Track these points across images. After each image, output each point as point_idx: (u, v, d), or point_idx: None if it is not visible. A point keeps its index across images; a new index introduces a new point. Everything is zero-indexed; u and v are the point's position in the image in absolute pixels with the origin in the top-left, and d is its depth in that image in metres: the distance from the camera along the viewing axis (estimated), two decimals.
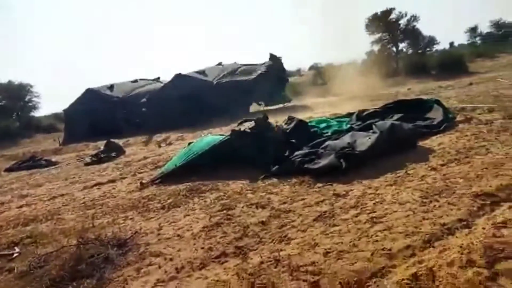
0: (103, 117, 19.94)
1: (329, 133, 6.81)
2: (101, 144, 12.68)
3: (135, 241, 3.88)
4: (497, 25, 37.45)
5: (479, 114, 7.86)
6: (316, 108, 15.64)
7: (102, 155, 10.92)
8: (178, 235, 3.87)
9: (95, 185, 7.33)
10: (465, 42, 42.23)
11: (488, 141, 5.45)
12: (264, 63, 21.26)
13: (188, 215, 4.48)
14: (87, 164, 10.38)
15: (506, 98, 9.53)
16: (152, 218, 4.61)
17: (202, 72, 20.74)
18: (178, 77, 19.87)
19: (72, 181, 8.31)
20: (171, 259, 3.35)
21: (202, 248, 3.46)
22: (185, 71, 20.76)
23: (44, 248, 4.08)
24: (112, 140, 12.48)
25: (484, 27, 40.37)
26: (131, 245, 3.81)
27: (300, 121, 7.28)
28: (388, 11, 33.36)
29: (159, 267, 3.24)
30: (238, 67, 21.20)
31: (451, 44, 43.69)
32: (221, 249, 3.38)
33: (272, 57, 21.64)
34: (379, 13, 33.53)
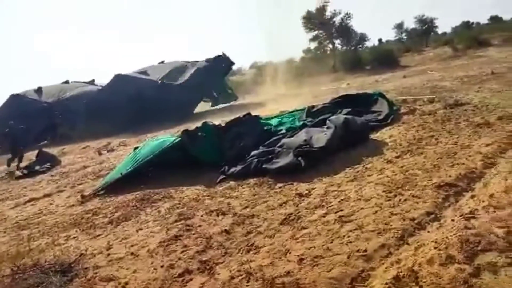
0: (32, 125, 18.23)
1: (283, 131, 6.68)
2: (32, 155, 11.48)
3: (82, 265, 3.40)
4: (421, 20, 40.15)
5: (421, 105, 8.20)
6: (263, 105, 15.55)
7: (34, 167, 9.86)
8: (132, 254, 3.45)
9: (29, 201, 6.53)
10: (392, 38, 44.74)
11: (435, 131, 5.64)
12: (207, 60, 20.65)
13: (141, 229, 4.06)
14: (17, 178, 9.28)
15: (441, 89, 10.11)
16: (99, 235, 4.11)
17: (143, 72, 19.70)
18: (118, 77, 18.66)
19: (1, 197, 7.36)
20: (126, 283, 2.95)
21: (162, 266, 3.10)
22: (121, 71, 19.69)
23: None
24: (44, 149, 11.35)
25: (409, 23, 43.09)
26: (77, 269, 3.32)
27: (253, 118, 7.07)
28: (322, 9, 34.35)
29: None
30: (183, 64, 20.42)
31: (380, 40, 46.08)
32: (184, 265, 3.05)
33: (222, 56, 20.98)
34: (314, 11, 34.40)
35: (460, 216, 2.89)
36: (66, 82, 22.98)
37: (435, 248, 2.52)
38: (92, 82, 23.62)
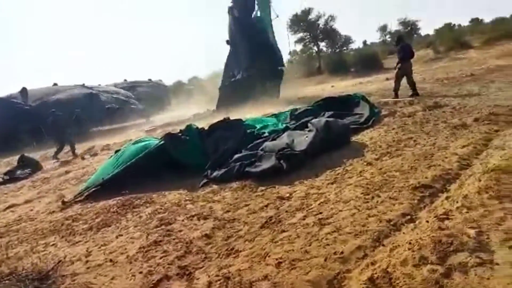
0: (16, 129, 17.98)
1: (266, 134, 6.71)
2: (14, 160, 11.28)
3: (59, 272, 3.35)
4: (404, 22, 40.75)
5: (401, 107, 8.37)
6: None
7: (16, 172, 9.67)
8: (111, 260, 3.42)
9: (9, 207, 6.40)
10: (377, 40, 45.26)
11: (414, 133, 5.75)
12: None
13: (121, 235, 4.02)
14: None
15: (422, 91, 10.31)
16: (78, 242, 4.06)
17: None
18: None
19: None
20: None
21: (140, 273, 3.08)
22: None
23: None
24: (26, 154, 11.14)
25: (393, 25, 43.69)
26: (55, 277, 3.27)
27: (236, 121, 7.09)
28: (307, 11, 34.74)
29: None
30: None
31: (364, 42, 46.57)
32: (163, 271, 3.03)
33: None
34: (299, 13, 34.72)
35: (435, 217, 2.96)
36: (55, 84, 22.82)
37: (409, 249, 2.58)
38: (82, 85, 23.50)
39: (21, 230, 4.95)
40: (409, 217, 3.14)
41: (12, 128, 18.28)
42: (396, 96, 10.12)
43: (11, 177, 9.48)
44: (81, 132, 16.90)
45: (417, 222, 3.04)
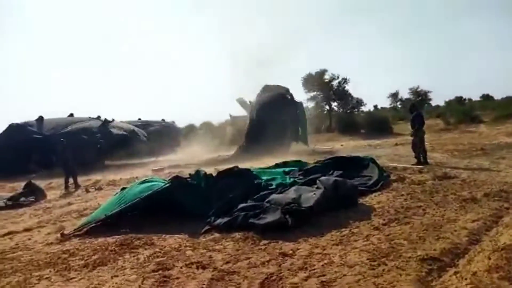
0: (27, 155, 18.27)
1: (274, 186, 6.70)
2: (20, 186, 11.30)
3: None
4: (415, 92, 41.84)
5: (410, 174, 8.35)
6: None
7: (19, 199, 9.65)
8: None
9: (7, 234, 6.31)
10: (387, 106, 46.39)
11: (423, 202, 5.69)
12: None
13: (117, 275, 3.91)
14: (0, 209, 9.05)
15: (432, 160, 10.32)
16: (72, 278, 3.95)
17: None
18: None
19: None
20: None
21: None
22: None
23: None
24: (33, 181, 11.17)
25: (404, 93, 44.81)
26: None
27: (245, 170, 7.12)
28: (322, 73, 35.98)
29: None
30: None
31: (375, 106, 47.77)
32: None
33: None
34: (313, 74, 35.95)
35: None
36: (71, 115, 23.36)
37: None
38: (98, 118, 24.00)
39: (16, 259, 4.86)
40: None
41: (23, 154, 18.54)
42: (419, 161, 10.09)
43: (14, 203, 9.45)
44: (98, 162, 17.27)
45: None
